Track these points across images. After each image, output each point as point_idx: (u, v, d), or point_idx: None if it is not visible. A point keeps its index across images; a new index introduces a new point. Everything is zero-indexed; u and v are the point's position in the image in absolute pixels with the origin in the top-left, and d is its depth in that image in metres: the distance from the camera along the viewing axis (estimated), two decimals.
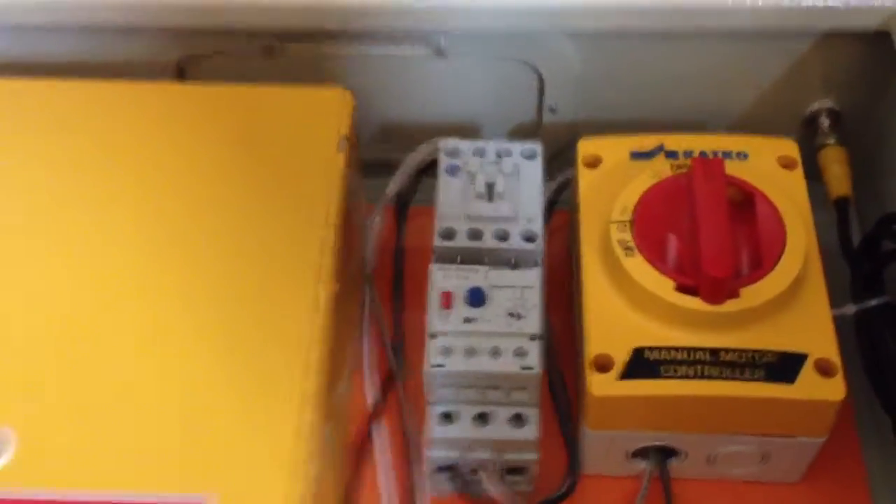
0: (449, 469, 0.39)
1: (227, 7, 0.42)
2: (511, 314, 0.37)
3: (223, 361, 0.33)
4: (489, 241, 0.39)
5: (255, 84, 0.42)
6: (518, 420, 0.38)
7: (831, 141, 0.46)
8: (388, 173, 0.46)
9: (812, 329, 0.37)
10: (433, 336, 0.37)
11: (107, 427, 0.32)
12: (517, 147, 0.42)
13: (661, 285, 0.37)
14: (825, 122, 0.46)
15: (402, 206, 0.48)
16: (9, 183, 0.37)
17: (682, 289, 0.36)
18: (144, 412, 0.32)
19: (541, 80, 0.46)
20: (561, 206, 0.46)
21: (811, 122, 0.47)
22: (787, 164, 0.41)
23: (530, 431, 0.38)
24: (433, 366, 0.37)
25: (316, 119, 0.40)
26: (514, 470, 0.39)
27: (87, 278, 0.35)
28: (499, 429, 0.38)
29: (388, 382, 0.43)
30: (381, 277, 0.47)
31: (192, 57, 0.44)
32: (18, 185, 0.37)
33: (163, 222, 0.37)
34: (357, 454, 0.42)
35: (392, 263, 0.47)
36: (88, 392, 0.32)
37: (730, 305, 0.36)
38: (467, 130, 0.48)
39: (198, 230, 0.36)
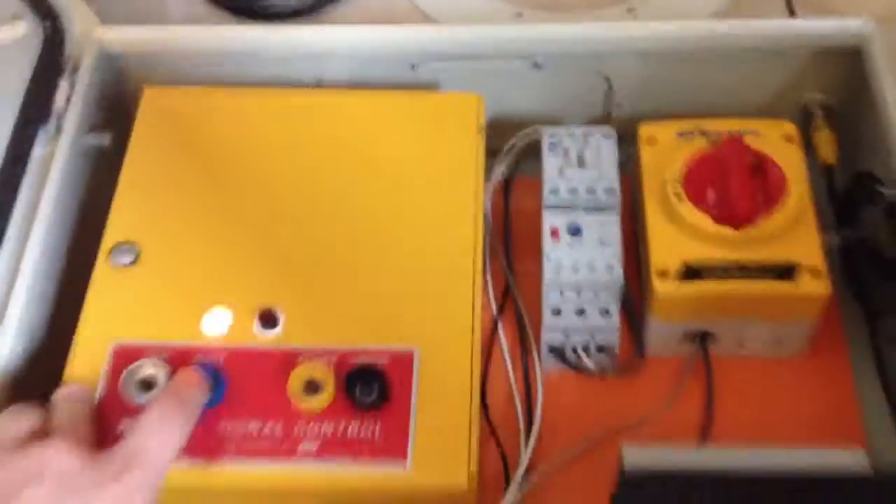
0: (556, 350, 0.57)
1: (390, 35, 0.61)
2: (600, 240, 0.55)
3: (427, 250, 0.51)
4: (582, 195, 0.57)
5: (413, 91, 0.60)
6: (605, 313, 0.56)
7: (822, 126, 0.63)
8: (494, 156, 0.63)
9: (806, 247, 0.54)
10: (548, 256, 0.55)
11: (342, 304, 0.50)
12: (597, 130, 0.60)
13: (702, 220, 0.54)
14: (818, 112, 0.63)
15: (507, 180, 0.66)
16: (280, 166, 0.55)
17: (717, 221, 0.54)
18: (369, 293, 0.50)
19: (610, 86, 0.64)
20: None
21: (808, 113, 0.64)
22: (788, 140, 0.58)
23: (613, 320, 0.55)
24: (550, 275, 0.55)
25: (460, 116, 0.57)
26: (601, 349, 0.57)
27: (324, 214, 0.53)
28: (592, 319, 0.56)
29: (506, 295, 0.61)
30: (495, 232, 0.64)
31: None
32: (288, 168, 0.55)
33: (357, 196, 0.54)
34: (487, 348, 0.60)
35: (503, 221, 0.65)
36: (330, 281, 0.50)
37: (749, 231, 0.54)
38: (556, 123, 0.65)
39: (389, 199, 0.54)
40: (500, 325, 0.60)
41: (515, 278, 0.61)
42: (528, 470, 0.54)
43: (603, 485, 0.49)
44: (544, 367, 0.58)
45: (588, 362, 0.57)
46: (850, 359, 0.58)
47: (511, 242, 0.64)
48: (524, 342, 0.60)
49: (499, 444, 0.55)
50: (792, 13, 0.64)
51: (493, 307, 0.61)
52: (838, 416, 0.57)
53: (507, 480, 0.54)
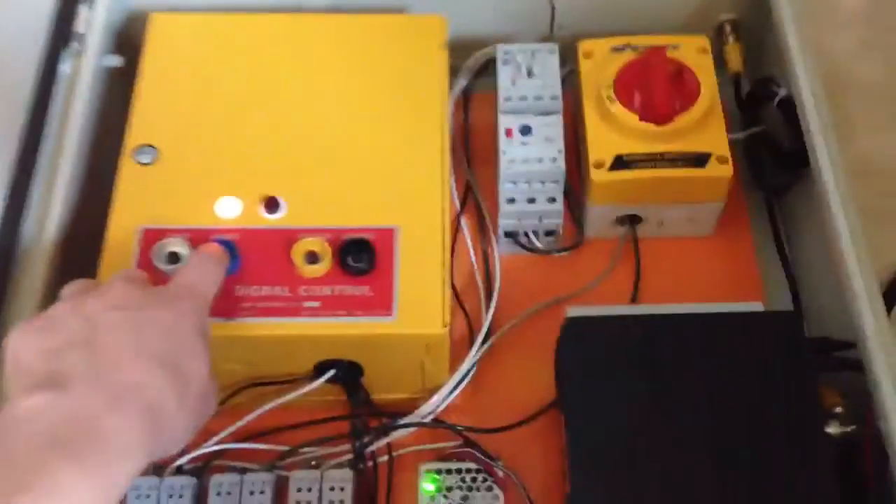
0: (511, 234, 0.68)
1: None
2: (546, 138, 0.66)
3: (402, 146, 0.61)
4: (531, 101, 0.67)
5: (381, 13, 0.69)
6: (552, 200, 0.66)
7: (732, 40, 0.74)
8: (454, 75, 0.73)
9: (715, 140, 0.65)
10: (503, 152, 0.65)
11: (334, 191, 0.59)
12: (543, 47, 0.69)
13: (631, 117, 0.65)
14: (728, 28, 0.74)
15: (466, 95, 0.76)
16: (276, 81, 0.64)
17: (642, 119, 0.65)
18: (356, 182, 0.60)
19: (552, 6, 0.74)
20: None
21: (720, 28, 0.75)
22: (702, 51, 0.69)
23: (558, 206, 0.66)
24: (505, 167, 0.65)
25: (426, 35, 0.67)
26: (549, 232, 0.68)
27: (315, 117, 0.62)
28: (541, 205, 0.66)
29: (466, 191, 0.72)
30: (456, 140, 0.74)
31: None
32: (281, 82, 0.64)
33: (342, 102, 0.64)
34: (453, 236, 0.70)
35: (463, 130, 0.75)
36: (323, 173, 0.60)
37: (669, 127, 0.65)
38: (506, 41, 0.74)
39: (369, 105, 0.63)
40: (462, 218, 0.71)
41: (474, 180, 0.72)
42: (489, 332, 0.65)
43: (551, 341, 0.60)
44: (501, 250, 0.69)
45: (538, 243, 0.68)
46: (752, 236, 0.70)
47: (470, 148, 0.74)
48: (483, 231, 0.70)
49: (465, 312, 0.66)
50: None
51: (457, 203, 0.71)
52: (743, 285, 0.69)
53: (472, 341, 0.65)
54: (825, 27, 0.82)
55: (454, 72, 0.72)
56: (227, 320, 0.55)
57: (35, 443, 0.40)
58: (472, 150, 0.74)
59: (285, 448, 0.60)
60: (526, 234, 0.68)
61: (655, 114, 0.64)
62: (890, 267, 0.70)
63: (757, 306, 0.61)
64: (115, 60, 0.67)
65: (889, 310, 0.66)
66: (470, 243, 0.69)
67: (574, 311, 0.60)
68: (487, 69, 0.74)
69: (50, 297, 0.58)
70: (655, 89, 0.65)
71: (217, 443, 0.59)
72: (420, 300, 0.57)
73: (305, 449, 0.60)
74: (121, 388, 0.44)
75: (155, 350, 0.46)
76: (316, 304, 0.56)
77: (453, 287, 0.66)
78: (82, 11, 0.65)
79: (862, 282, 0.57)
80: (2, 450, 0.40)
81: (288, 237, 0.58)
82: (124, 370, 0.44)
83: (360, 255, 0.57)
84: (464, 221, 0.70)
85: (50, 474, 0.39)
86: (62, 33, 0.64)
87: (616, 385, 0.56)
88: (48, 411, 0.41)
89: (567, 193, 0.68)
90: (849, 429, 0.55)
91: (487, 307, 0.66)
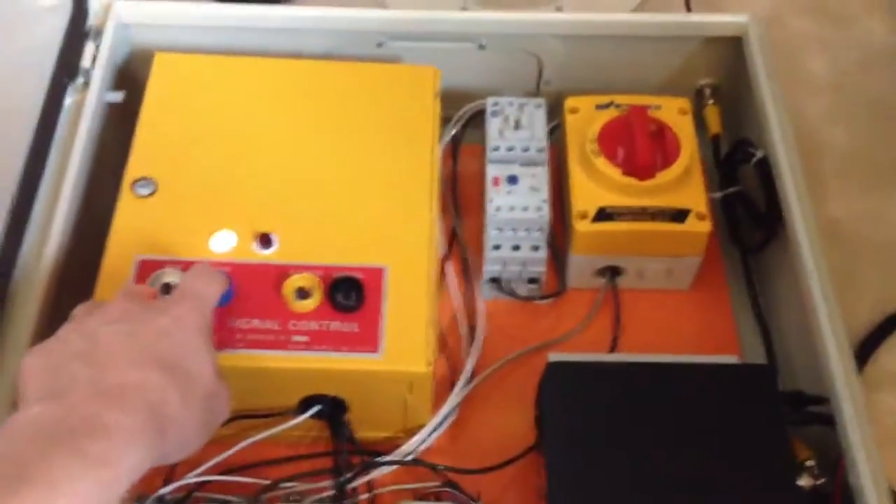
0: (495, 280, 0.70)
1: (360, 17, 0.73)
2: (532, 188, 0.68)
3: (393, 189, 0.63)
4: (518, 152, 0.70)
5: (376, 62, 0.72)
6: (535, 249, 0.68)
7: (710, 102, 0.77)
8: (445, 124, 0.76)
9: (694, 196, 0.67)
10: (490, 200, 0.68)
11: (326, 230, 0.61)
12: (531, 101, 0.72)
13: (614, 171, 0.67)
14: (707, 91, 0.77)
15: (455, 144, 0.78)
16: (271, 125, 0.66)
17: (625, 173, 0.67)
18: (348, 222, 0.61)
19: (540, 64, 0.77)
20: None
21: (700, 92, 0.78)
22: (682, 112, 0.72)
23: (542, 254, 0.68)
24: (491, 214, 0.67)
25: (420, 84, 0.69)
26: (532, 280, 0.70)
27: (310, 158, 0.64)
28: (524, 253, 0.68)
29: (453, 237, 0.74)
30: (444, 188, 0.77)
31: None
32: (277, 125, 0.66)
33: (337, 144, 0.66)
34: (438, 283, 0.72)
35: (451, 178, 0.77)
36: (316, 212, 0.62)
37: (650, 182, 0.67)
38: (495, 95, 0.77)
39: (362, 149, 0.66)
40: (447, 264, 0.73)
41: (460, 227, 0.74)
42: (472, 375, 0.67)
43: (531, 386, 0.62)
44: (484, 295, 0.71)
45: (520, 290, 0.70)
46: (728, 291, 0.72)
47: (457, 196, 0.76)
48: (467, 276, 0.72)
49: (448, 355, 0.68)
50: (688, 9, 0.78)
51: (443, 249, 0.73)
52: (719, 338, 0.70)
53: (454, 383, 0.66)
54: (799, 92, 0.86)
55: (445, 122, 0.75)
56: (218, 351, 0.56)
57: (37, 440, 0.41)
58: (460, 198, 0.76)
59: (267, 482, 0.61)
60: (510, 281, 0.70)
61: (637, 169, 0.67)
62: (861, 327, 0.72)
63: (732, 359, 0.63)
64: (117, 96, 0.69)
65: (860, 368, 0.69)
66: (454, 289, 0.71)
67: (555, 356, 0.62)
68: (476, 121, 0.76)
69: (46, 323, 0.59)
70: (638, 146, 0.67)
71: (199, 474, 0.60)
72: (405, 339, 0.58)
73: (287, 484, 0.61)
74: (120, 390, 0.45)
75: (153, 353, 0.47)
76: (304, 338, 0.58)
77: (438, 331, 0.68)
78: (88, 48, 0.68)
79: (833, 340, 0.59)
80: (5, 448, 0.41)
81: (280, 272, 0.59)
82: (123, 374, 0.46)
83: (350, 293, 0.59)
84: (449, 267, 0.72)
85: (51, 467, 0.40)
86: (68, 67, 0.66)
87: (595, 429, 0.58)
88: (49, 415, 0.42)
89: (551, 243, 0.70)
90: (819, 482, 0.57)
91: (470, 351, 0.68)
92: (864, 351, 0.70)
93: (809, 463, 0.57)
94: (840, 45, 0.90)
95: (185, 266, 0.59)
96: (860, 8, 0.93)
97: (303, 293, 0.58)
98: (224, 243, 0.60)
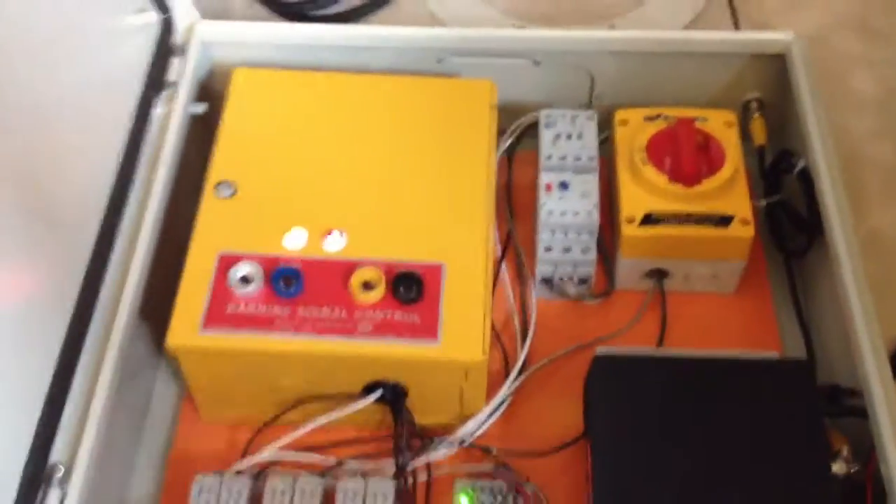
0: (547, 280, 0.74)
1: (422, 35, 0.78)
2: (583, 194, 0.72)
3: (452, 193, 0.68)
4: (570, 160, 0.74)
5: (439, 76, 0.77)
6: (585, 251, 0.72)
7: (756, 116, 0.80)
8: (501, 136, 0.80)
9: (738, 203, 0.71)
10: (543, 205, 0.72)
11: (391, 230, 0.66)
12: (583, 113, 0.77)
13: (661, 179, 0.71)
14: (753, 105, 0.81)
15: (510, 155, 0.83)
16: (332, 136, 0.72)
17: (671, 180, 0.71)
18: (410, 223, 0.66)
19: (592, 80, 0.81)
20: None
21: (747, 106, 0.82)
22: (728, 125, 0.76)
23: (591, 256, 0.72)
24: (544, 218, 0.71)
25: (477, 97, 0.74)
26: (582, 281, 0.74)
27: (376, 164, 0.70)
28: (574, 255, 0.72)
29: (508, 239, 0.78)
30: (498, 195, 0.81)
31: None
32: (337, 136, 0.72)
33: (400, 151, 0.71)
34: (493, 280, 0.76)
35: (507, 186, 0.82)
36: (381, 213, 0.67)
37: (695, 189, 0.71)
38: (549, 107, 0.82)
39: (424, 157, 0.71)
40: (503, 264, 0.77)
41: (514, 230, 0.79)
42: (522, 368, 0.71)
43: (580, 380, 0.66)
44: (537, 295, 0.75)
45: (571, 290, 0.74)
46: (772, 295, 0.76)
47: (512, 202, 0.81)
48: (521, 277, 0.77)
49: (502, 348, 0.72)
50: (736, 27, 0.82)
51: (498, 250, 0.78)
52: (762, 339, 0.74)
53: (508, 375, 0.70)
54: (845, 110, 0.89)
55: (501, 134, 0.80)
56: (292, 336, 0.62)
57: None
58: (514, 206, 0.80)
59: (334, 461, 0.66)
60: (561, 281, 0.74)
61: (683, 176, 0.71)
62: None
63: (773, 355, 0.66)
64: (200, 108, 0.75)
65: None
66: (509, 288, 0.76)
67: (603, 350, 0.66)
68: (531, 133, 0.81)
69: (139, 315, 0.65)
70: (684, 155, 0.71)
71: (273, 452, 0.65)
72: (462, 329, 0.63)
73: (352, 462, 0.66)
74: None
75: None
76: (369, 326, 0.62)
77: (493, 326, 0.72)
78: (174, 63, 0.74)
79: (867, 337, 0.62)
80: None
81: (347, 267, 0.64)
82: None
83: (411, 286, 0.63)
84: (504, 267, 0.77)
85: None
86: (156, 81, 0.72)
87: (640, 419, 0.62)
88: None
89: (600, 246, 0.74)
90: (852, 469, 0.60)
91: (523, 345, 0.72)
92: None
93: (844, 452, 0.60)
94: (885, 63, 0.93)
95: (262, 261, 0.64)
96: None
97: (368, 286, 0.63)
98: (296, 240, 0.66)
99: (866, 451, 0.60)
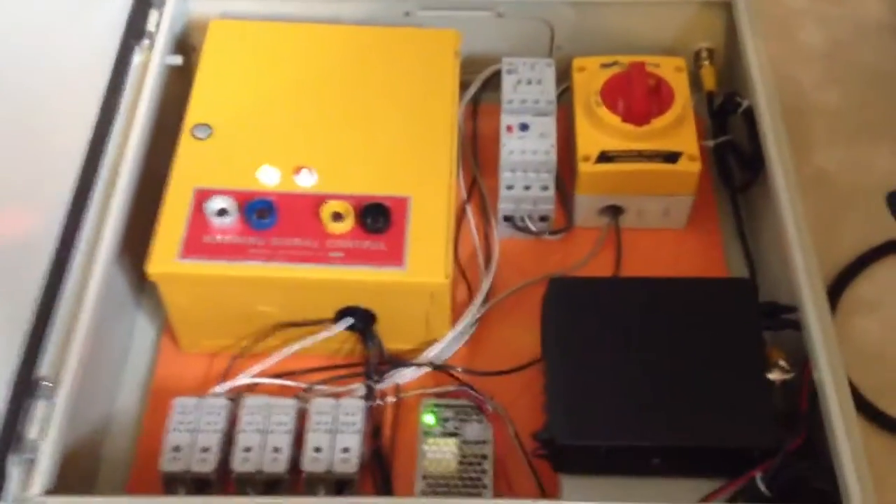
0: (509, 218, 0.78)
1: None
2: (541, 134, 0.76)
3: (419, 132, 0.72)
4: (529, 104, 0.78)
5: (406, 27, 0.81)
6: (544, 188, 0.77)
7: (706, 63, 0.85)
8: (466, 88, 0.85)
9: (686, 140, 0.75)
10: (504, 145, 0.76)
11: (359, 166, 0.70)
12: (542, 61, 0.81)
13: (614, 119, 0.76)
14: (704, 54, 0.85)
15: (475, 103, 0.87)
16: (299, 80, 0.76)
17: (624, 120, 0.76)
18: (378, 160, 0.71)
19: (552, 31, 0.85)
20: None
21: (698, 54, 0.86)
22: (678, 70, 0.80)
23: (550, 194, 0.76)
24: (505, 158, 0.76)
25: (443, 44, 0.78)
26: (542, 218, 0.78)
27: (345, 106, 0.74)
28: (535, 192, 0.77)
29: (473, 184, 0.82)
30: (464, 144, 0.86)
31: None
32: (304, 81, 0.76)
33: (369, 95, 0.75)
34: (459, 219, 0.80)
35: (472, 135, 0.86)
36: (350, 150, 0.71)
37: (646, 128, 0.75)
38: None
39: (393, 98, 0.75)
40: (468, 206, 0.81)
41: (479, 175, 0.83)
42: (486, 298, 0.75)
43: (537, 310, 0.70)
44: (500, 233, 0.79)
45: (532, 227, 0.78)
46: (719, 228, 0.80)
47: (477, 149, 0.85)
48: (486, 218, 0.81)
49: (467, 281, 0.76)
50: None
51: (463, 193, 0.82)
52: (710, 268, 0.78)
53: (471, 305, 0.75)
54: (794, 61, 0.93)
55: (465, 85, 0.84)
56: (266, 263, 0.66)
57: None
58: (479, 155, 0.84)
59: (307, 385, 0.70)
60: (522, 219, 0.78)
61: (635, 116, 0.75)
62: (844, 261, 0.80)
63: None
64: (176, 59, 0.79)
65: (839, 295, 0.77)
66: (474, 227, 0.80)
67: (557, 278, 0.71)
68: (494, 84, 0.85)
69: (124, 244, 0.69)
70: (635, 96, 0.76)
71: (249, 377, 0.69)
72: (427, 255, 0.67)
73: (324, 387, 0.70)
74: None
75: None
76: (339, 254, 0.67)
77: (458, 261, 0.77)
78: (152, 15, 0.78)
79: (802, 258, 0.67)
80: None
81: (317, 200, 0.68)
82: None
83: (378, 217, 0.68)
84: (469, 209, 0.81)
85: None
86: (136, 31, 0.76)
87: (590, 335, 0.66)
88: None
89: (559, 187, 0.79)
90: (788, 377, 0.64)
91: (485, 275, 0.76)
92: (843, 279, 0.78)
93: (781, 362, 0.64)
94: (833, 17, 0.97)
95: (237, 195, 0.68)
96: None
97: (338, 216, 0.67)
98: (270, 177, 0.70)
99: (802, 360, 0.64)
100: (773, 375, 0.64)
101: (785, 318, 0.67)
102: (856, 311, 0.77)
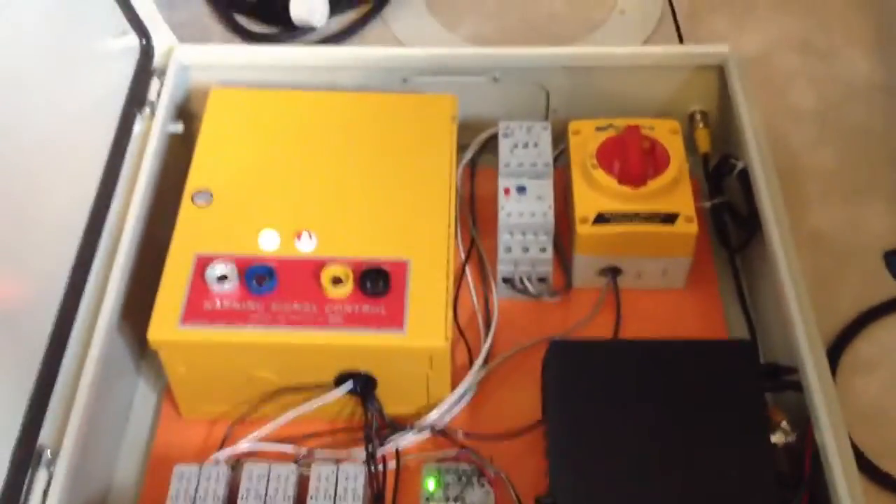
0: (508, 280, 0.79)
1: (387, 55, 0.84)
2: (538, 197, 0.77)
3: (417, 198, 0.73)
4: (527, 167, 0.79)
5: (404, 93, 0.82)
6: (543, 250, 0.77)
7: (701, 126, 0.86)
8: (463, 150, 0.86)
9: (682, 202, 0.76)
10: (502, 207, 0.77)
11: (358, 231, 0.71)
12: (538, 124, 0.82)
13: (610, 181, 0.77)
14: (698, 116, 0.86)
15: (472, 167, 0.88)
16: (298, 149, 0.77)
17: (620, 182, 0.76)
18: (376, 225, 0.71)
19: (547, 95, 0.87)
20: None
21: (692, 117, 0.87)
22: (673, 132, 0.81)
23: (548, 255, 0.77)
24: (503, 220, 0.76)
25: (440, 110, 0.80)
26: (541, 279, 0.79)
27: (344, 172, 0.75)
28: (534, 254, 0.77)
29: (471, 245, 0.83)
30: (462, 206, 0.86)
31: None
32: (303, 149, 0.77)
33: (367, 161, 0.76)
34: (458, 281, 0.81)
35: (470, 197, 0.87)
36: (349, 216, 0.72)
37: (642, 189, 0.76)
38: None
39: (389, 165, 0.76)
40: (466, 268, 0.82)
41: (478, 236, 0.83)
42: (486, 361, 0.75)
43: (537, 372, 0.70)
44: (498, 294, 0.80)
45: (531, 289, 0.79)
46: (718, 288, 0.80)
47: (475, 211, 0.86)
48: (484, 280, 0.81)
49: (466, 343, 0.77)
50: (681, 41, 0.88)
51: (462, 254, 0.82)
52: (710, 329, 0.78)
53: (471, 367, 0.75)
54: (786, 121, 0.95)
55: (463, 149, 0.85)
56: (266, 328, 0.66)
57: None
58: (477, 216, 0.85)
59: (307, 450, 0.69)
60: (521, 280, 0.78)
61: (631, 178, 0.76)
62: (841, 322, 0.80)
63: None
64: (178, 127, 0.80)
65: (838, 356, 0.77)
66: (473, 289, 0.80)
67: (557, 340, 0.71)
68: (492, 147, 0.86)
69: (124, 314, 0.69)
70: (631, 158, 0.77)
71: (249, 443, 0.69)
72: (426, 319, 0.67)
73: (324, 451, 0.70)
74: None
75: None
76: (339, 318, 0.67)
77: (457, 323, 0.77)
78: (154, 84, 0.79)
79: (802, 319, 0.67)
80: None
81: (317, 265, 0.69)
82: None
83: (378, 281, 0.68)
84: (468, 271, 0.81)
85: None
86: (137, 100, 0.77)
87: (591, 399, 0.66)
88: None
89: (557, 246, 0.79)
90: (790, 439, 0.64)
91: (485, 338, 0.76)
92: (842, 340, 0.78)
93: (783, 424, 0.64)
94: (824, 78, 0.99)
95: (237, 261, 0.68)
96: (843, 43, 1.02)
97: (337, 281, 0.68)
98: (270, 242, 0.70)
99: (804, 422, 0.64)
100: (776, 438, 0.64)
101: (786, 379, 0.67)
102: (856, 371, 0.77)
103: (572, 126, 0.82)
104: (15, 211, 0.63)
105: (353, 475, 0.66)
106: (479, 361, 0.74)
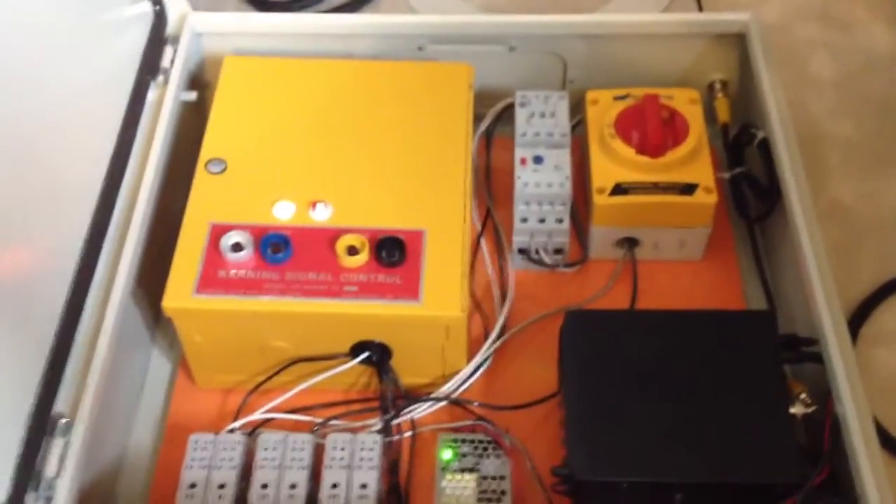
0: (524, 251, 0.78)
1: (403, 23, 0.83)
2: (556, 167, 0.76)
3: (433, 166, 0.72)
4: (543, 136, 0.78)
5: (420, 61, 0.81)
6: (559, 221, 0.76)
7: (720, 95, 0.85)
8: (479, 120, 0.85)
9: (701, 172, 0.75)
10: (518, 177, 0.76)
11: (374, 200, 0.70)
12: (555, 93, 0.81)
13: (628, 151, 0.76)
14: (718, 86, 0.85)
15: (489, 136, 0.87)
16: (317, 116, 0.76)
17: (638, 152, 0.75)
18: (393, 194, 0.70)
19: (564, 64, 0.85)
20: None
21: (711, 86, 0.86)
22: (692, 101, 0.80)
23: (565, 226, 0.76)
24: (519, 190, 0.75)
25: (456, 78, 0.79)
26: (557, 250, 0.78)
27: (360, 140, 0.74)
28: (549, 225, 0.76)
29: (487, 217, 0.82)
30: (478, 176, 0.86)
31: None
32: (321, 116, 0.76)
33: (383, 129, 0.75)
34: (473, 252, 0.80)
35: (486, 167, 0.86)
36: (365, 185, 0.71)
37: (661, 160, 0.75)
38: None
39: (407, 132, 0.75)
40: (482, 239, 0.81)
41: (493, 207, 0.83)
42: (502, 332, 0.75)
43: (555, 342, 0.70)
44: (514, 265, 0.79)
45: (547, 260, 0.78)
46: (737, 259, 0.80)
47: (491, 181, 0.85)
48: (500, 251, 0.80)
49: (481, 314, 0.76)
50: (700, 9, 0.87)
51: (478, 225, 0.82)
52: (727, 300, 0.78)
53: (487, 338, 0.74)
54: (806, 91, 0.93)
55: (479, 118, 0.84)
56: (281, 297, 0.65)
57: None
58: (493, 187, 0.84)
59: (323, 420, 0.69)
60: (537, 251, 0.78)
61: (650, 148, 0.75)
62: (862, 292, 0.79)
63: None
64: (191, 95, 0.79)
65: (859, 327, 0.76)
66: (488, 260, 0.79)
67: (573, 310, 0.70)
68: (508, 116, 0.85)
69: (138, 281, 0.69)
70: (650, 128, 0.76)
71: (265, 412, 0.69)
72: (442, 289, 0.66)
73: (340, 422, 0.69)
74: None
75: None
76: (354, 288, 0.66)
77: (473, 294, 0.76)
78: (167, 51, 0.78)
79: (822, 290, 0.66)
80: None
81: (333, 234, 0.68)
82: None
83: (394, 250, 0.67)
84: (483, 241, 0.81)
85: None
86: (151, 68, 0.76)
87: (608, 368, 0.65)
88: None
89: (574, 219, 0.78)
90: (810, 410, 0.64)
91: (500, 309, 0.76)
92: (863, 311, 0.77)
93: (803, 395, 0.64)
94: (843, 48, 0.97)
95: (252, 229, 0.68)
96: (864, 14, 1.00)
97: (353, 250, 0.67)
98: (285, 211, 0.70)
99: (823, 395, 0.64)
100: (795, 409, 0.63)
101: (806, 350, 0.66)
102: (877, 343, 0.76)
103: (590, 96, 0.81)
104: (29, 181, 0.62)
105: (369, 444, 0.66)
106: (494, 332, 0.73)
